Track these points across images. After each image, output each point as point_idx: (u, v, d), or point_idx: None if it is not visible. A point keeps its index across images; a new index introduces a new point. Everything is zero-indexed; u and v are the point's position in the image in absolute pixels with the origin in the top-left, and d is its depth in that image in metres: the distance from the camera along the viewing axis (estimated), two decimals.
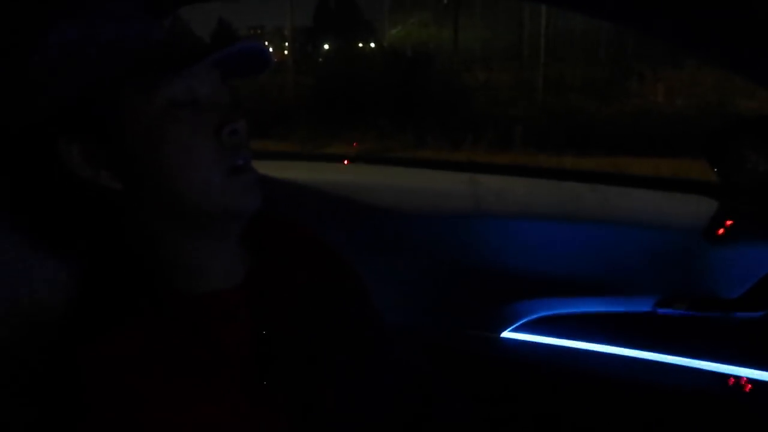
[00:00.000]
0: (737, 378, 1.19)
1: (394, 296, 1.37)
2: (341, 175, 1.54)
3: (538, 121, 6.49)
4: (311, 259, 0.80)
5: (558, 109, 6.81)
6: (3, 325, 0.63)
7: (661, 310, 1.24)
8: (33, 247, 0.67)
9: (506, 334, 1.36)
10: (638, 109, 6.70)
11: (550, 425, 1.24)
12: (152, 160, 0.63)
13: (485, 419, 1.25)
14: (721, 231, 1.19)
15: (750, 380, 1.18)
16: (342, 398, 0.71)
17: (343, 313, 0.77)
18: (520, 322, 1.36)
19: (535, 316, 1.35)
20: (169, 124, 0.62)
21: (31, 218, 0.68)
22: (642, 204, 1.33)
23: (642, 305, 1.26)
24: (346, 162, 1.59)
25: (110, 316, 0.63)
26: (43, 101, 0.64)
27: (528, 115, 6.74)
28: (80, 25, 0.64)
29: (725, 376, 1.18)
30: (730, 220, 1.19)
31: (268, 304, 0.70)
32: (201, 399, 0.60)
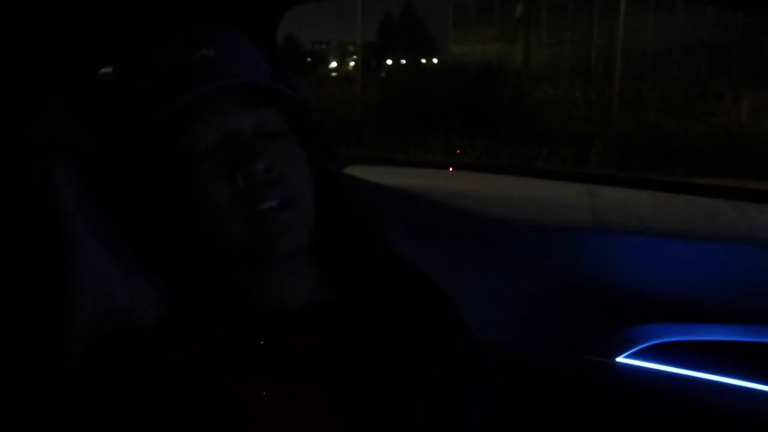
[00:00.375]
0: None
1: (501, 312, 1.30)
2: (447, 182, 1.48)
3: (615, 139, 6.33)
4: (393, 276, 0.79)
5: (635, 127, 6.63)
6: (94, 329, 0.65)
7: None
8: (125, 260, 0.69)
9: (622, 359, 1.25)
10: (722, 129, 6.43)
11: None
12: (176, 207, 0.63)
13: None
14: None
15: None
16: (425, 415, 0.69)
17: (426, 330, 0.75)
18: (639, 348, 1.25)
19: (655, 342, 1.24)
20: (187, 171, 0.63)
21: (128, 235, 0.70)
22: None
23: None
24: (451, 169, 1.53)
25: (195, 328, 0.64)
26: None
27: (603, 133, 6.57)
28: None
29: None
30: None
31: (350, 321, 0.69)
32: (281, 407, 0.60)
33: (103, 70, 1.01)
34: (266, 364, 0.62)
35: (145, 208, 0.68)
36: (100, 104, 0.71)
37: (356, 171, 1.47)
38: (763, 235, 1.18)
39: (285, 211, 0.64)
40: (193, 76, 0.63)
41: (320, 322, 0.69)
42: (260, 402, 0.59)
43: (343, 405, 0.64)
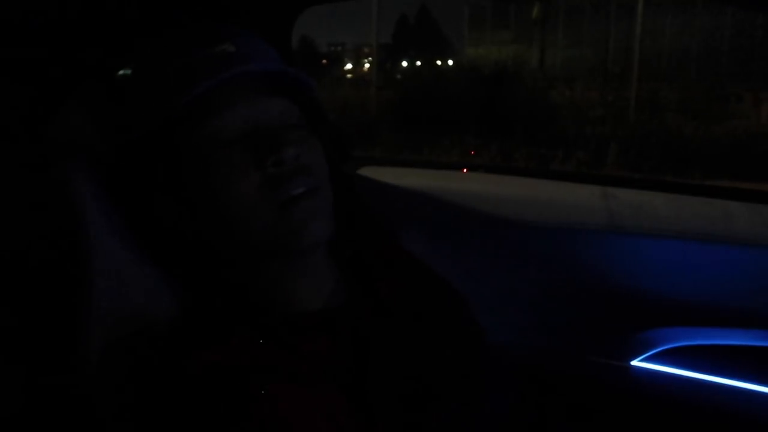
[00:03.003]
0: None
1: (515, 314, 1.29)
2: (460, 183, 1.47)
3: (632, 141, 6.27)
4: (408, 278, 0.79)
5: (652, 129, 6.56)
6: (111, 332, 0.65)
7: None
8: (144, 263, 0.69)
9: (637, 363, 1.24)
10: (741, 131, 6.34)
11: None
12: (206, 202, 0.64)
13: None
14: None
15: None
16: (441, 418, 0.69)
17: (441, 332, 0.75)
18: (653, 351, 1.23)
19: (671, 346, 1.23)
20: (213, 158, 0.62)
21: (146, 239, 0.70)
22: None
23: None
24: (464, 170, 1.52)
25: (215, 333, 0.63)
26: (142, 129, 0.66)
27: (620, 135, 6.51)
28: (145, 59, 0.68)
29: None
30: None
31: (367, 324, 0.69)
32: (303, 411, 0.60)
33: (121, 72, 1.02)
34: (287, 368, 0.62)
35: (165, 204, 0.67)
36: (119, 101, 0.71)
37: (370, 172, 1.47)
38: None
39: (312, 199, 0.64)
40: (217, 66, 0.63)
41: (338, 325, 0.68)
42: (283, 405, 0.59)
43: (362, 408, 0.64)
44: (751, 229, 1.20)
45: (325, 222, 0.65)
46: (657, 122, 6.77)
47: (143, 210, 0.70)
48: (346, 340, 0.68)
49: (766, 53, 8.24)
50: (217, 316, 0.66)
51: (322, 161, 0.68)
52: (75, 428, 0.63)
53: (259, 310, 0.67)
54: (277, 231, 0.63)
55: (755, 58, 8.51)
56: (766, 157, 5.52)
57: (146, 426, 0.61)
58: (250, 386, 0.59)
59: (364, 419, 0.63)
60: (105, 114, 0.73)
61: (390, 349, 0.70)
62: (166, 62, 0.65)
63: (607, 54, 9.95)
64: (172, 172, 0.66)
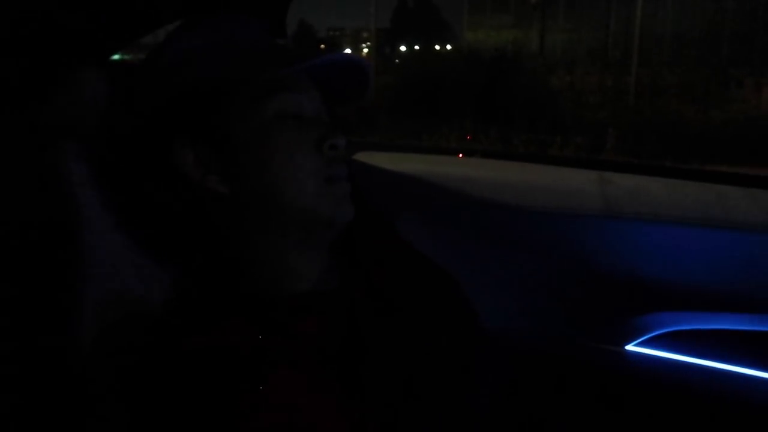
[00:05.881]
0: None
1: (510, 299, 1.29)
2: (457, 168, 1.47)
3: (631, 126, 6.25)
4: (401, 263, 0.81)
5: (652, 114, 6.54)
6: (104, 315, 0.65)
7: None
8: (136, 246, 0.70)
9: (632, 347, 1.25)
10: (742, 116, 6.32)
11: None
12: (256, 166, 0.67)
13: None
14: None
15: None
16: (433, 402, 0.70)
17: (434, 317, 0.76)
18: (649, 336, 1.24)
19: (666, 330, 1.23)
20: (275, 135, 0.66)
21: (140, 221, 0.71)
22: None
23: None
24: (460, 155, 1.52)
25: (209, 314, 0.64)
26: (163, 100, 0.68)
27: (620, 120, 6.50)
28: (204, 33, 0.71)
29: None
30: None
31: (361, 309, 0.70)
32: (296, 392, 0.61)
33: (115, 57, 1.01)
34: (280, 349, 0.63)
35: (199, 173, 0.68)
36: (141, 83, 0.72)
37: (366, 157, 1.46)
38: None
39: (348, 184, 0.69)
40: (293, 52, 0.70)
41: (329, 308, 0.69)
42: (276, 387, 0.60)
43: (355, 391, 0.65)
44: (748, 214, 1.20)
45: (351, 205, 0.69)
46: (656, 107, 6.75)
47: (138, 193, 0.70)
48: (339, 322, 0.69)
49: (765, 38, 8.19)
50: (211, 299, 0.67)
51: None
52: (67, 411, 0.63)
53: (253, 292, 0.68)
54: (321, 203, 0.67)
55: (756, 43, 8.47)
56: (764, 141, 5.50)
57: (139, 408, 0.61)
58: (243, 368, 0.60)
59: (357, 402, 0.64)
60: (106, 96, 0.72)
61: (382, 333, 0.71)
62: (235, 42, 0.71)
63: (608, 39, 9.91)
64: (216, 147, 0.68)
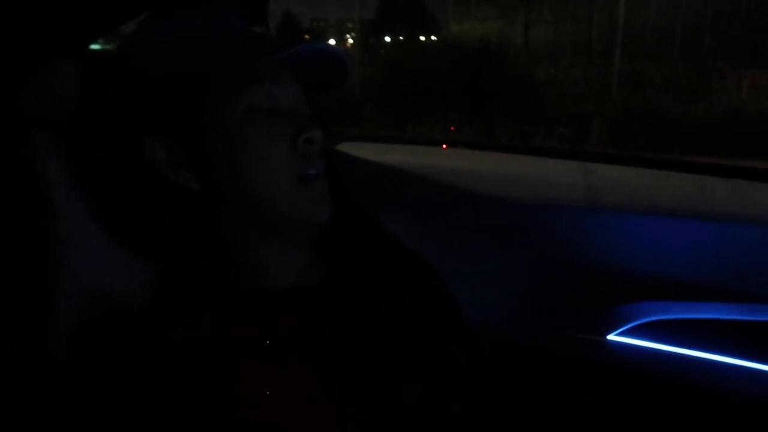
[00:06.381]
0: None
1: (493, 290, 1.30)
2: (441, 159, 1.47)
3: (614, 118, 6.30)
4: (384, 255, 0.80)
5: (635, 107, 6.59)
6: (82, 310, 0.65)
7: None
8: (114, 242, 0.69)
9: (613, 337, 1.25)
10: (725, 108, 6.39)
11: None
12: (229, 162, 0.64)
13: (586, 426, 1.17)
14: None
15: None
16: (414, 395, 0.70)
17: (416, 310, 0.76)
18: (630, 326, 1.25)
19: (646, 320, 1.24)
20: (248, 129, 0.64)
21: (114, 215, 0.70)
22: None
23: None
24: (444, 146, 1.52)
25: (186, 309, 0.64)
26: (133, 95, 0.66)
27: (603, 112, 6.54)
28: (175, 22, 0.68)
29: None
30: None
31: (342, 304, 0.69)
32: (274, 387, 0.60)
33: (94, 46, 0.99)
34: (258, 345, 0.62)
35: (172, 170, 0.66)
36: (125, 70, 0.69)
37: (349, 148, 1.46)
38: (757, 214, 1.18)
39: (324, 180, 0.67)
40: (270, 42, 0.67)
41: (310, 302, 0.69)
42: (254, 382, 0.59)
43: (334, 385, 0.64)
44: (729, 205, 1.22)
45: (328, 203, 0.68)
46: (639, 99, 6.81)
47: (113, 187, 0.69)
48: (320, 316, 0.68)
49: (749, 31, 8.27)
50: (189, 295, 0.66)
51: None
52: (43, 409, 0.62)
53: (231, 288, 0.67)
54: (295, 203, 0.65)
55: (738, 36, 8.54)
56: (746, 134, 5.57)
57: (118, 405, 0.60)
58: (223, 364, 0.59)
59: (337, 396, 0.64)
60: (83, 87, 0.71)
61: (362, 326, 0.70)
62: (214, 28, 0.68)
63: (592, 31, 9.94)
64: (186, 143, 0.65)
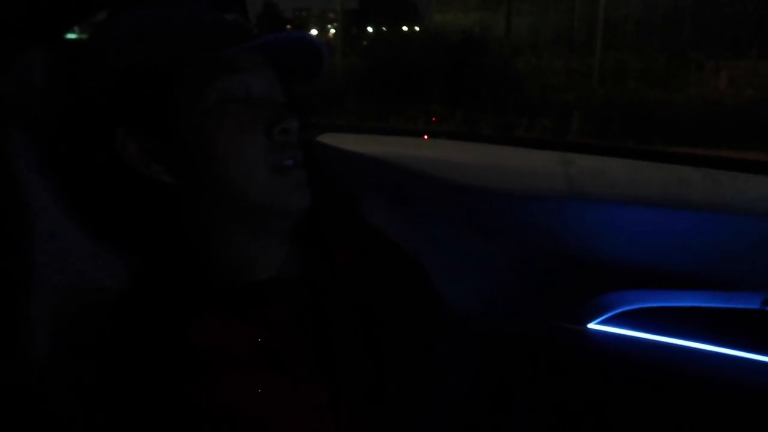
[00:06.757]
0: None
1: (474, 280, 1.30)
2: (423, 150, 1.47)
3: (595, 109, 6.34)
4: (365, 247, 0.79)
5: (615, 97, 6.64)
6: (63, 305, 0.64)
7: None
8: (93, 235, 0.68)
9: (594, 326, 1.27)
10: (702, 99, 6.46)
11: (638, 426, 1.16)
12: (202, 155, 0.63)
13: (567, 415, 1.18)
14: None
15: None
16: (398, 387, 0.70)
17: (397, 302, 0.76)
18: (610, 314, 1.26)
19: (627, 308, 1.25)
20: (221, 119, 0.63)
21: (91, 209, 0.69)
22: (755, 190, 1.22)
23: (749, 301, 1.16)
24: (426, 137, 1.52)
25: (168, 302, 0.63)
26: (101, 87, 0.64)
27: (584, 103, 6.58)
28: (145, 12, 0.66)
29: None
30: None
31: (327, 295, 0.69)
32: (262, 377, 0.60)
33: (70, 36, 0.97)
34: (247, 337, 0.62)
35: (145, 162, 0.65)
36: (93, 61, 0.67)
37: (331, 139, 1.45)
38: (733, 203, 1.19)
39: (301, 170, 0.66)
40: (234, 29, 0.65)
41: (294, 295, 0.68)
42: (244, 377, 0.59)
43: (324, 378, 0.64)
44: (705, 194, 1.23)
45: (306, 193, 0.66)
46: (620, 90, 6.86)
47: (87, 180, 0.68)
48: (306, 310, 0.68)
49: (727, 21, 8.36)
50: (170, 288, 0.65)
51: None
52: (22, 407, 0.61)
53: (214, 279, 0.66)
54: (272, 193, 0.64)
55: (716, 27, 8.63)
56: (722, 124, 5.64)
57: (98, 402, 0.59)
58: (211, 356, 0.59)
59: (327, 389, 0.64)
60: (54, 78, 0.70)
61: (348, 318, 0.70)
62: (183, 18, 0.65)
63: (573, 22, 9.98)
64: (158, 135, 0.64)
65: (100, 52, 0.66)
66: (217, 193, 0.64)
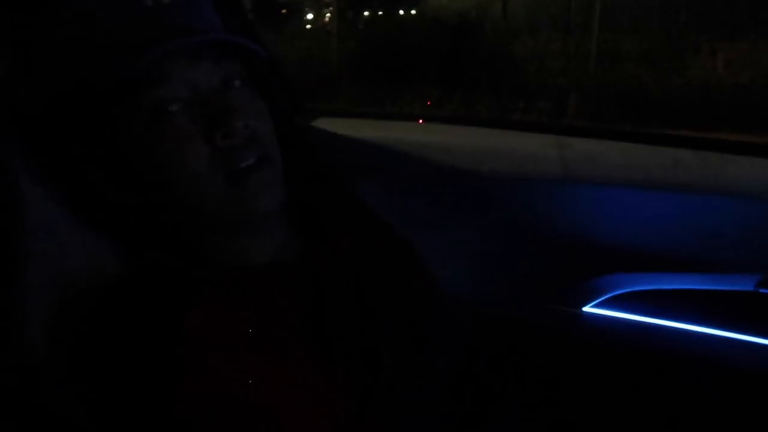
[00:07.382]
0: None
1: (469, 264, 1.31)
2: (418, 134, 1.46)
3: (592, 92, 6.31)
4: (360, 231, 0.79)
5: (612, 80, 6.62)
6: (59, 293, 0.63)
7: (763, 290, 1.13)
8: (82, 226, 0.66)
9: (589, 309, 1.27)
10: (699, 81, 6.44)
11: (633, 408, 1.17)
12: (150, 172, 0.60)
13: (563, 398, 1.19)
14: None
15: None
16: (393, 370, 0.70)
17: (393, 286, 0.76)
18: (605, 297, 1.27)
19: (621, 291, 1.26)
20: (157, 132, 0.58)
21: (84, 201, 0.66)
22: (750, 172, 1.22)
23: (743, 283, 1.16)
24: (420, 121, 1.51)
25: (170, 291, 0.62)
26: (40, 106, 0.60)
27: (581, 85, 6.56)
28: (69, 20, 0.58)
29: None
30: None
31: (324, 278, 0.69)
32: (262, 362, 0.60)
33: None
34: (248, 324, 0.61)
35: (99, 178, 0.63)
36: (44, 57, 0.63)
37: (326, 124, 1.44)
38: (727, 185, 1.19)
39: (261, 169, 0.62)
40: (157, 26, 0.57)
41: (291, 280, 0.68)
42: (245, 361, 0.59)
43: (322, 361, 0.64)
44: (701, 177, 1.23)
45: (275, 190, 0.63)
46: (617, 73, 6.83)
47: (76, 177, 0.66)
48: (301, 294, 0.67)
49: (723, 5, 8.31)
50: (167, 275, 0.64)
51: (268, 125, 0.66)
52: (15, 393, 0.61)
53: (209, 267, 0.66)
54: (228, 204, 0.61)
55: (713, 10, 8.58)
56: (720, 106, 5.62)
57: (101, 390, 0.59)
58: (210, 342, 0.58)
59: (325, 372, 0.64)
60: (32, 67, 0.68)
61: (346, 302, 0.70)
62: (93, 14, 0.58)
63: (570, 4, 9.91)
64: (108, 139, 0.61)
65: (32, 70, 0.61)
66: (179, 208, 0.62)
